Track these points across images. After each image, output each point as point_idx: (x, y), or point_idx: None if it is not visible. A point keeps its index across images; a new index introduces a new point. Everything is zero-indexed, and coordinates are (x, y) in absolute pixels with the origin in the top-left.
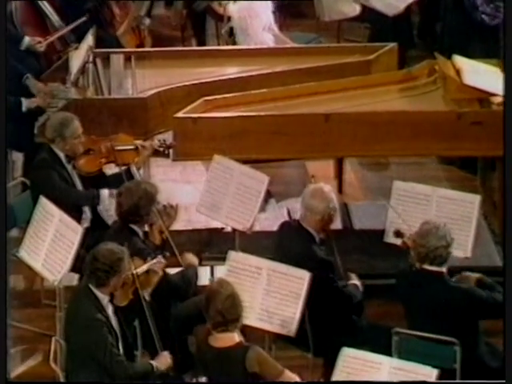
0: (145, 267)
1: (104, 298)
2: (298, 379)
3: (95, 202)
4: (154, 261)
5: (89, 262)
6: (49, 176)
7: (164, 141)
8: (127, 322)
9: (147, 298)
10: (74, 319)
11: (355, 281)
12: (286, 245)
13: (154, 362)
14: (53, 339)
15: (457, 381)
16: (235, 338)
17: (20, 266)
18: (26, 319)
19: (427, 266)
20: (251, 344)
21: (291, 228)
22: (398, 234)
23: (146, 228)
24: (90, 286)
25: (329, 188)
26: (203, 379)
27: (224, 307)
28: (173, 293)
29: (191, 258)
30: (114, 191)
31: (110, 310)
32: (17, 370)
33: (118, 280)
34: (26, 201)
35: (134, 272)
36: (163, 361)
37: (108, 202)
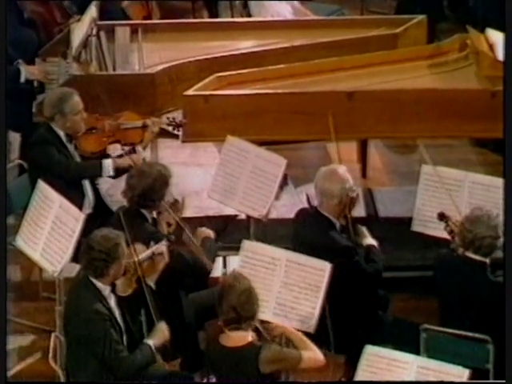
0: (149, 252)
1: (105, 289)
2: (317, 353)
3: (98, 172)
4: (160, 244)
5: (84, 252)
6: (47, 151)
7: (173, 118)
8: (132, 313)
9: (153, 286)
10: (74, 313)
11: (369, 239)
12: (304, 233)
13: (149, 341)
14: (52, 335)
15: (454, 380)
16: (248, 337)
17: (17, 255)
18: (23, 313)
19: (471, 254)
20: (263, 343)
21: (309, 215)
22: (443, 216)
23: (154, 215)
24: (90, 276)
25: (343, 169)
26: (214, 379)
27: (238, 303)
28: (191, 271)
29: (206, 231)
30: (118, 160)
31: (112, 300)
32: (14, 368)
33: (118, 268)
34: (24, 185)
35: (137, 259)
36: (159, 335)
37: (112, 171)
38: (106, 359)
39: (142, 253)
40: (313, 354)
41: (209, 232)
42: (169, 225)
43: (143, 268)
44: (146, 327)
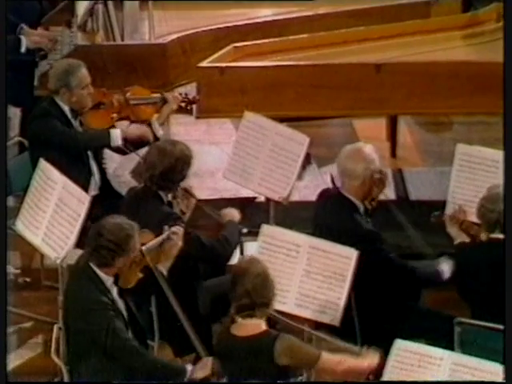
0: (158, 240)
1: (108, 280)
2: (337, 360)
3: (106, 141)
4: (173, 229)
5: (92, 237)
6: (49, 124)
7: (186, 95)
8: (137, 304)
9: (165, 273)
10: (73, 303)
11: None
12: (325, 216)
13: (189, 366)
14: (55, 327)
15: (449, 380)
16: (262, 325)
17: (16, 240)
18: (23, 303)
19: (497, 235)
20: (280, 332)
21: (330, 197)
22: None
23: (170, 198)
24: (92, 264)
25: (369, 147)
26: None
27: (253, 287)
28: (209, 257)
29: (232, 212)
30: (126, 129)
31: (115, 292)
32: (12, 363)
33: (125, 261)
34: (24, 164)
35: (144, 248)
36: (203, 367)
37: (120, 141)
38: (111, 349)
39: (150, 241)
40: (337, 360)
41: (234, 214)
42: (183, 213)
43: (151, 257)
44: (157, 319)
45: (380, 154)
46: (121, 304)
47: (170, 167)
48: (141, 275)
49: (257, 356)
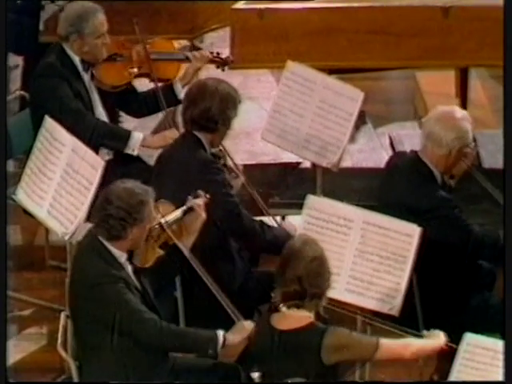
0: (179, 211)
1: (121, 256)
2: (402, 344)
3: (121, 143)
4: (194, 200)
5: (99, 206)
6: (57, 87)
7: (218, 54)
8: (157, 290)
9: (186, 253)
10: (79, 282)
11: None
12: (393, 183)
13: (221, 332)
14: (62, 315)
15: (451, 380)
16: (309, 317)
17: (17, 213)
18: (24, 286)
19: None
20: (328, 326)
21: (405, 162)
22: None
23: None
24: (101, 238)
25: (464, 115)
26: (256, 375)
27: (306, 273)
28: (242, 232)
29: (291, 226)
30: (151, 139)
31: (129, 270)
32: (11, 357)
33: (139, 232)
34: (26, 122)
35: (163, 221)
36: (238, 330)
37: (136, 150)
38: (126, 325)
39: (170, 212)
40: (402, 344)
41: (293, 228)
42: None
43: (172, 231)
44: (183, 307)
45: None
46: (138, 285)
47: (211, 105)
48: (161, 252)
49: (300, 353)
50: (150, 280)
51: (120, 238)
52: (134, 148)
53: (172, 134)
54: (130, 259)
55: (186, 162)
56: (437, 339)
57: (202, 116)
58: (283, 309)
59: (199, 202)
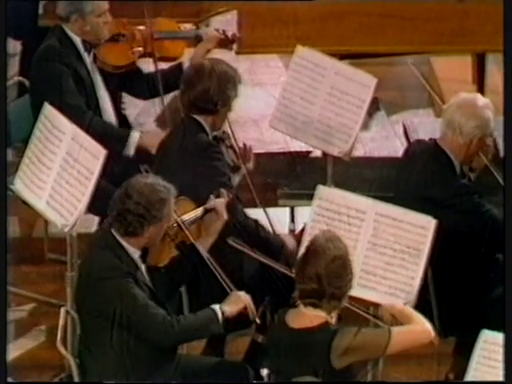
0: (199, 211)
1: (134, 252)
2: (421, 329)
3: (120, 144)
4: (216, 200)
5: (117, 200)
6: (59, 76)
7: (224, 31)
8: (169, 289)
9: (204, 254)
10: (87, 276)
11: None
12: (411, 173)
13: (216, 306)
14: (61, 310)
15: (454, 381)
16: (323, 317)
17: (15, 204)
18: (23, 281)
19: None
20: (339, 327)
21: (423, 150)
22: None
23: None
24: (115, 233)
25: (487, 104)
26: (265, 372)
27: (326, 272)
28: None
29: (291, 240)
30: (147, 138)
31: (142, 268)
32: (9, 354)
33: (156, 231)
34: (24, 109)
35: (182, 219)
36: (234, 301)
37: (133, 150)
38: (133, 320)
39: (189, 211)
40: (412, 330)
41: (292, 242)
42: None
43: (190, 231)
44: (188, 304)
45: None
46: (149, 282)
47: (209, 86)
48: (176, 252)
49: (309, 355)
50: (162, 280)
51: (136, 234)
52: (130, 149)
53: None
54: (143, 256)
55: (186, 147)
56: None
57: (201, 98)
58: (300, 306)
59: (221, 201)
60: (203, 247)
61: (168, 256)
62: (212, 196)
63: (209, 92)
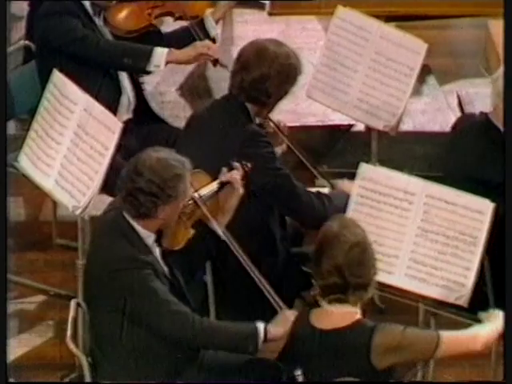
0: (214, 184)
1: (148, 237)
2: (471, 335)
3: (142, 61)
4: (231, 172)
5: (127, 178)
6: (66, 24)
7: None
8: (187, 276)
9: (220, 233)
10: (100, 266)
11: None
12: (460, 151)
13: (261, 325)
14: (72, 303)
15: (453, 381)
16: (355, 314)
17: (20, 183)
18: (29, 269)
19: None
20: (378, 323)
21: (472, 125)
22: None
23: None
24: (126, 215)
25: None
26: (298, 372)
27: (346, 262)
28: (299, 210)
29: (347, 185)
30: (179, 53)
31: (157, 253)
32: (12, 352)
33: (171, 211)
34: (31, 77)
35: (198, 195)
36: (280, 324)
37: (163, 64)
38: (154, 317)
39: (205, 185)
40: (468, 335)
41: (349, 187)
42: None
43: (207, 208)
44: (214, 293)
45: None
46: (166, 270)
47: (268, 75)
48: (192, 232)
49: (346, 358)
50: (180, 264)
51: (149, 216)
52: (159, 64)
53: (204, 49)
54: (158, 240)
55: (227, 132)
56: (498, 321)
57: (255, 86)
58: (324, 304)
59: (236, 175)
60: (220, 224)
61: (185, 237)
62: (224, 169)
63: (265, 82)
